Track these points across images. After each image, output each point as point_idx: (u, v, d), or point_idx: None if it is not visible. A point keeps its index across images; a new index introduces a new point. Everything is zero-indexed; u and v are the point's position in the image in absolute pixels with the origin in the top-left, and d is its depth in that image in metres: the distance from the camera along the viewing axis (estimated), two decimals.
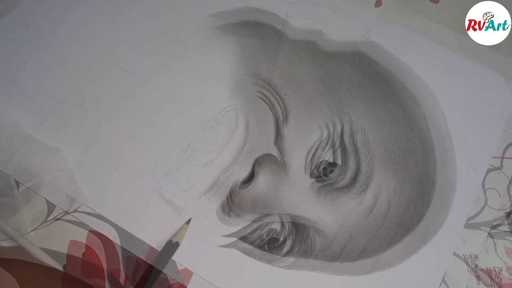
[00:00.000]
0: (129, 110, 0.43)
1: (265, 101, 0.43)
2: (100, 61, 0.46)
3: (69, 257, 0.38)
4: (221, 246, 0.39)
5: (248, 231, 0.39)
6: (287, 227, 0.38)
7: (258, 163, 0.40)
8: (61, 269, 0.37)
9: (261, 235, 0.38)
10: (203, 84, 0.44)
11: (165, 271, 0.38)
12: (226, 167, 0.40)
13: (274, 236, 0.38)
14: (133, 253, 0.39)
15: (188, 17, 0.46)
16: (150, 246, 0.39)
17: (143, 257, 0.39)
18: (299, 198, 0.39)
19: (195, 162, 0.40)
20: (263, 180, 0.39)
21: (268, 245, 0.38)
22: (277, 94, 0.43)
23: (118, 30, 0.47)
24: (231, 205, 0.39)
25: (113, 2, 0.48)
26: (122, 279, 0.38)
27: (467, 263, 0.40)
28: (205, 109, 0.43)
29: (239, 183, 0.40)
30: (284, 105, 0.42)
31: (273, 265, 0.38)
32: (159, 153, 0.41)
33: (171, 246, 0.37)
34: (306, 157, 0.41)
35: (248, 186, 0.40)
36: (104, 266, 0.38)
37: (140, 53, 0.45)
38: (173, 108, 0.43)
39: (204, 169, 0.40)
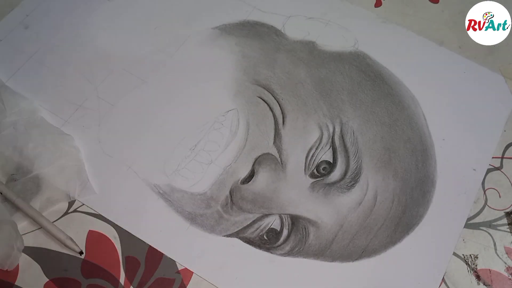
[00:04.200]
0: (140, 113, 0.45)
1: (264, 105, 0.45)
2: (102, 64, 0.47)
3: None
4: (223, 236, 0.40)
5: (249, 230, 0.40)
6: (284, 219, 0.40)
7: (258, 161, 0.42)
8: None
9: (260, 226, 0.40)
10: (208, 90, 0.46)
11: (165, 271, 0.38)
12: (228, 165, 0.42)
13: (272, 226, 0.40)
14: (133, 253, 0.39)
15: (195, 30, 0.50)
16: (150, 246, 0.39)
17: (143, 257, 0.39)
18: (295, 193, 0.41)
19: (201, 160, 0.43)
20: (262, 177, 0.42)
21: (266, 235, 0.40)
22: (275, 98, 0.45)
23: (131, 41, 0.49)
24: (233, 199, 0.41)
25: (124, 16, 0.51)
26: (122, 279, 0.38)
27: (467, 263, 0.40)
28: (210, 112, 0.45)
29: (240, 179, 0.42)
30: (281, 108, 0.45)
31: (271, 253, 0.40)
32: (169, 152, 0.43)
33: None
34: (305, 156, 0.43)
35: (248, 182, 0.42)
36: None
37: (152, 62, 0.48)
38: (181, 111, 0.45)
39: (209, 166, 0.42)
